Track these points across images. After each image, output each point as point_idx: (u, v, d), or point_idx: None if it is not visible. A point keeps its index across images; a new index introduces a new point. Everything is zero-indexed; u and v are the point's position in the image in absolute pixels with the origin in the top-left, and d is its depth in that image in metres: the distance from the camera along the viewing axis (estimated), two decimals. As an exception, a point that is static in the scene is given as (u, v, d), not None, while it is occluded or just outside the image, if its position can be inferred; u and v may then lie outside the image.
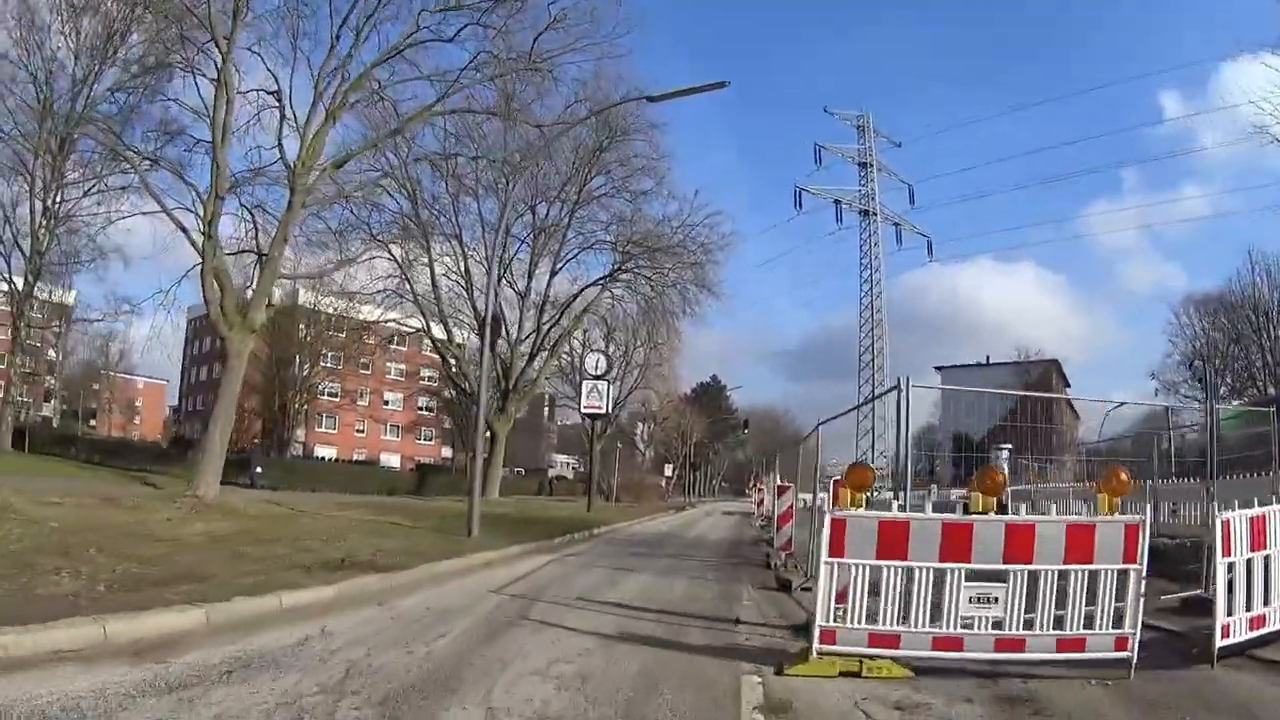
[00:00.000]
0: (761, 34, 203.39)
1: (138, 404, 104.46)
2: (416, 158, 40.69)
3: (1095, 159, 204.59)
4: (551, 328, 52.96)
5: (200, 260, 27.27)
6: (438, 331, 51.78)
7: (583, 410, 43.01)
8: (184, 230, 27.66)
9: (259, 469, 44.35)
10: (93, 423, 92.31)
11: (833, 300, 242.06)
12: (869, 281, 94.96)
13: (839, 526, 7.72)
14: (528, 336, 52.72)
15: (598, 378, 41.70)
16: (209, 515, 20.14)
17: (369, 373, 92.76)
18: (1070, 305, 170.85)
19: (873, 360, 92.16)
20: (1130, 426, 22.38)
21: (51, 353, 74.89)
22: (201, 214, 27.42)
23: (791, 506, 18.53)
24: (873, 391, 77.32)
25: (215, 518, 19.77)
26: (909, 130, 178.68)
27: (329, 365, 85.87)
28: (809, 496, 17.22)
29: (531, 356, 52.80)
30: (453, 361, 52.50)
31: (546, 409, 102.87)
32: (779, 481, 20.77)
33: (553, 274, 52.83)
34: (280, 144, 29.01)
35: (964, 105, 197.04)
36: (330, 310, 56.00)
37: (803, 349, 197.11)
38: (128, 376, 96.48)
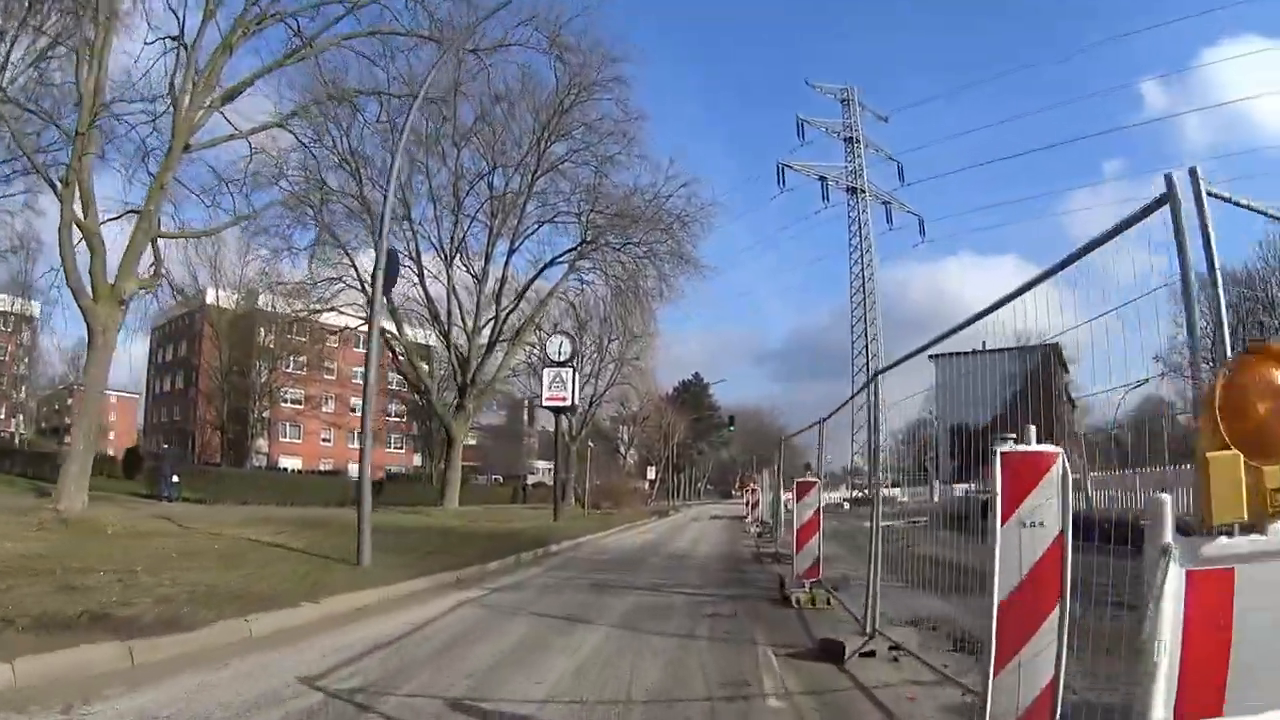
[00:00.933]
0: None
1: (113, 418, 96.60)
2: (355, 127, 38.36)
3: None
4: (510, 313, 47.27)
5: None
6: (388, 325, 45.00)
7: (545, 402, 37.45)
8: (51, 184, 25.06)
9: (175, 478, 38.10)
10: (68, 439, 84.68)
11: (818, 292, 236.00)
12: (859, 263, 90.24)
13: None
14: (486, 324, 46.93)
15: (561, 364, 36.41)
16: (52, 532, 17.10)
17: (333, 378, 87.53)
18: (1061, 296, 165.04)
19: (866, 346, 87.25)
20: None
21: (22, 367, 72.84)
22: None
23: (818, 514, 12.69)
24: (866, 376, 71.21)
25: (54, 534, 16.69)
26: (896, 105, 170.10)
27: (290, 370, 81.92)
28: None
29: (490, 347, 46.94)
30: (401, 353, 46.74)
31: (526, 414, 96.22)
32: (801, 477, 14.93)
33: (510, 252, 47.22)
34: (172, 85, 26.02)
35: (953, 85, 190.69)
36: (288, 310, 49.55)
37: (786, 349, 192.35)
38: (101, 391, 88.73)
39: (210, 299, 67.10)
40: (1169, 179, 4.35)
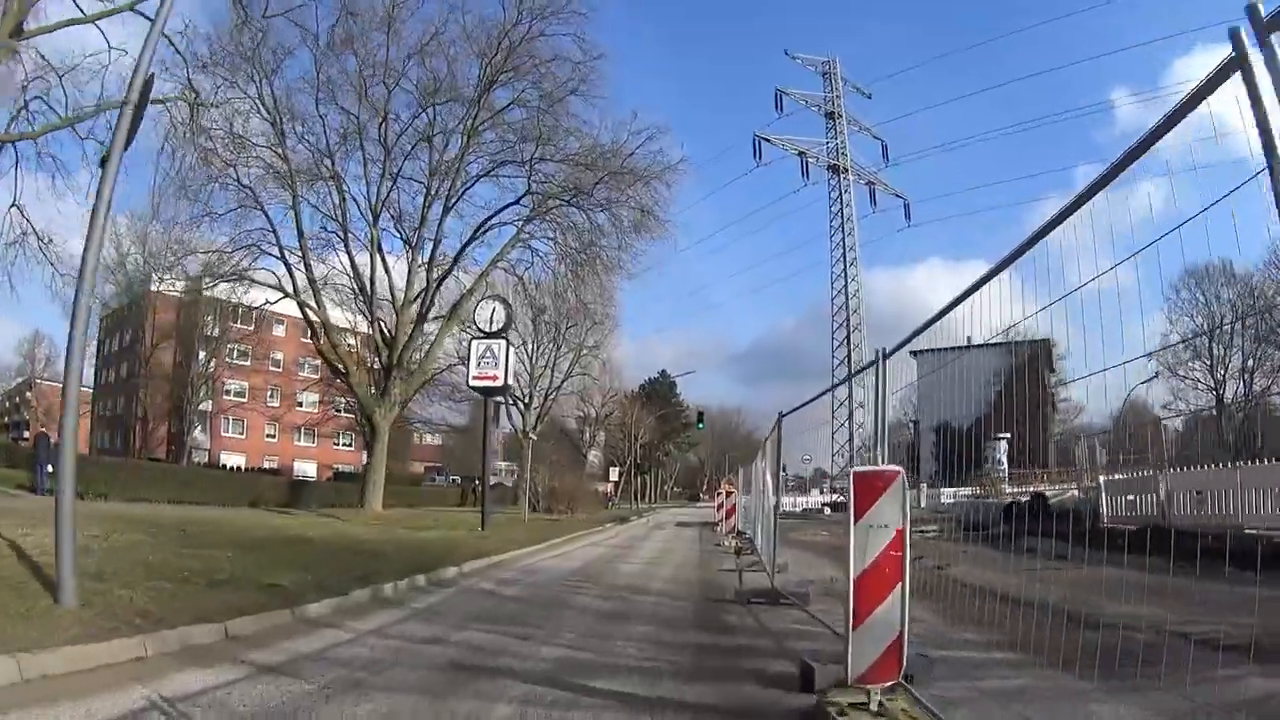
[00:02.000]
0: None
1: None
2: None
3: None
4: (443, 280, 40.29)
5: None
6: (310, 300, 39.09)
7: (471, 381, 30.77)
8: None
9: (50, 467, 31.63)
10: (27, 434, 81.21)
11: (791, 290, 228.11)
12: (840, 246, 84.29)
13: None
14: (418, 297, 39.96)
15: (492, 335, 30.06)
16: None
17: (279, 370, 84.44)
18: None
19: (848, 335, 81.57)
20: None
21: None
22: None
23: (901, 546, 6.72)
24: (849, 369, 65.48)
25: None
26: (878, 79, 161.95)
27: (233, 361, 79.00)
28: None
29: (419, 321, 40.00)
30: (320, 331, 39.55)
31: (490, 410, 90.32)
32: (874, 465, 8.01)
33: (445, 211, 40.08)
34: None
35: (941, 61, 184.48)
36: (195, 283, 46.53)
37: (755, 350, 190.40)
38: (56, 384, 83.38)
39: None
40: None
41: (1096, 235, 4.99)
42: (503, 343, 29.60)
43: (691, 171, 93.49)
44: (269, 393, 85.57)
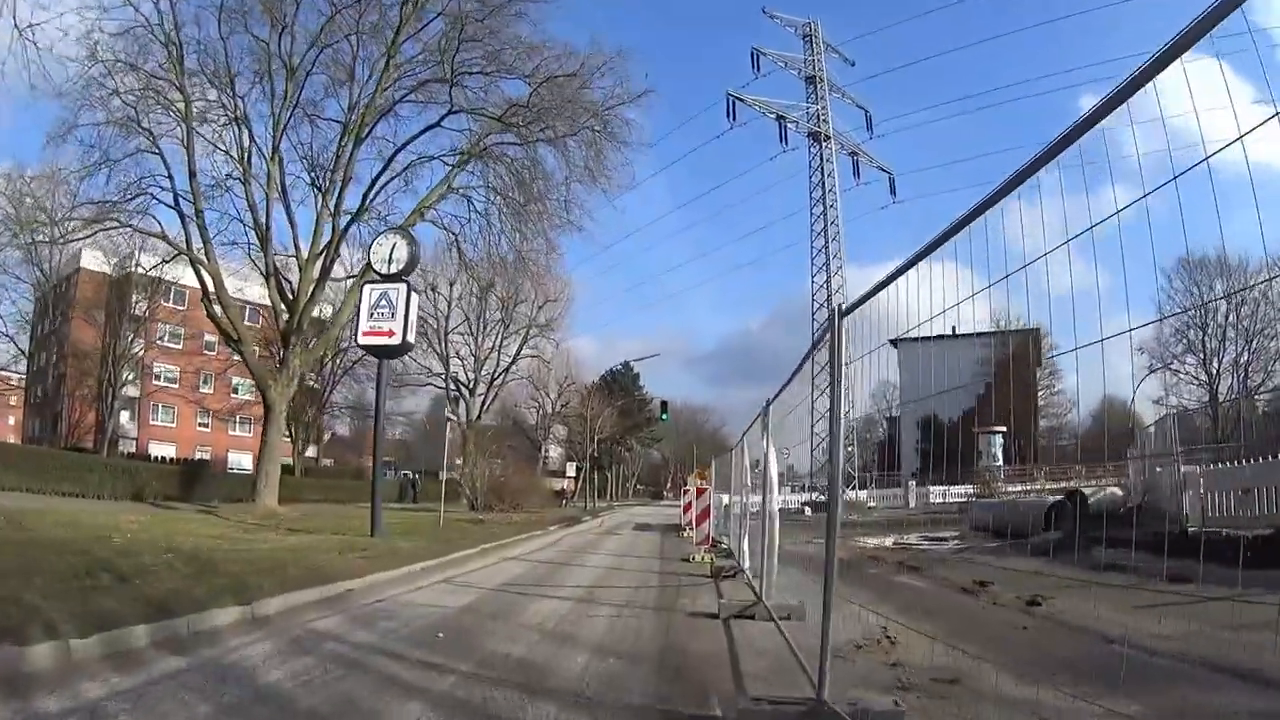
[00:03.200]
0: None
1: (12, 402, 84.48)
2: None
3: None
4: (350, 225, 33.56)
5: None
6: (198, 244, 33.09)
7: (361, 339, 23.65)
8: None
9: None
10: None
11: (765, 279, 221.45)
12: (821, 219, 77.89)
13: None
14: (324, 250, 33.36)
15: (390, 278, 23.07)
16: None
17: (213, 354, 76.71)
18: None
19: (832, 311, 73.20)
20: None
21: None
22: None
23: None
24: (834, 350, 59.51)
25: None
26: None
27: (165, 344, 76.07)
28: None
29: (323, 277, 33.52)
30: (212, 291, 33.00)
31: (450, 402, 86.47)
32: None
33: (357, 143, 33.12)
34: None
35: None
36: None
37: (722, 351, 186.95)
38: None
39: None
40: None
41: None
42: (402, 288, 22.59)
43: (657, 117, 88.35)
44: (201, 378, 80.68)
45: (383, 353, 23.52)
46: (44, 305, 69.15)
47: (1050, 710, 6.44)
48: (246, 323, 38.20)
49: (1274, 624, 8.20)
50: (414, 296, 23.13)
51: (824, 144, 77.81)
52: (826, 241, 76.37)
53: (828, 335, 7.07)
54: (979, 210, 4.94)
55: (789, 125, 78.07)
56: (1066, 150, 4.20)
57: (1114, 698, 6.59)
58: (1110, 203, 4.26)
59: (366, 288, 23.23)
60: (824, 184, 77.29)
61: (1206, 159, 3.73)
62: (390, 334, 22.36)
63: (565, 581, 15.97)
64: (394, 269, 22.86)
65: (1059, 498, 24.15)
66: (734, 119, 78.79)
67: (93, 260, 60.62)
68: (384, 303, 22.29)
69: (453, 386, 62.97)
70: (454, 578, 15.38)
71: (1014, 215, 4.82)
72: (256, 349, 36.84)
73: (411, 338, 23.30)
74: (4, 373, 76.77)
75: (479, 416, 61.09)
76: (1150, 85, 3.63)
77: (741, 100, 77.27)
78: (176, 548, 15.00)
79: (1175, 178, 3.83)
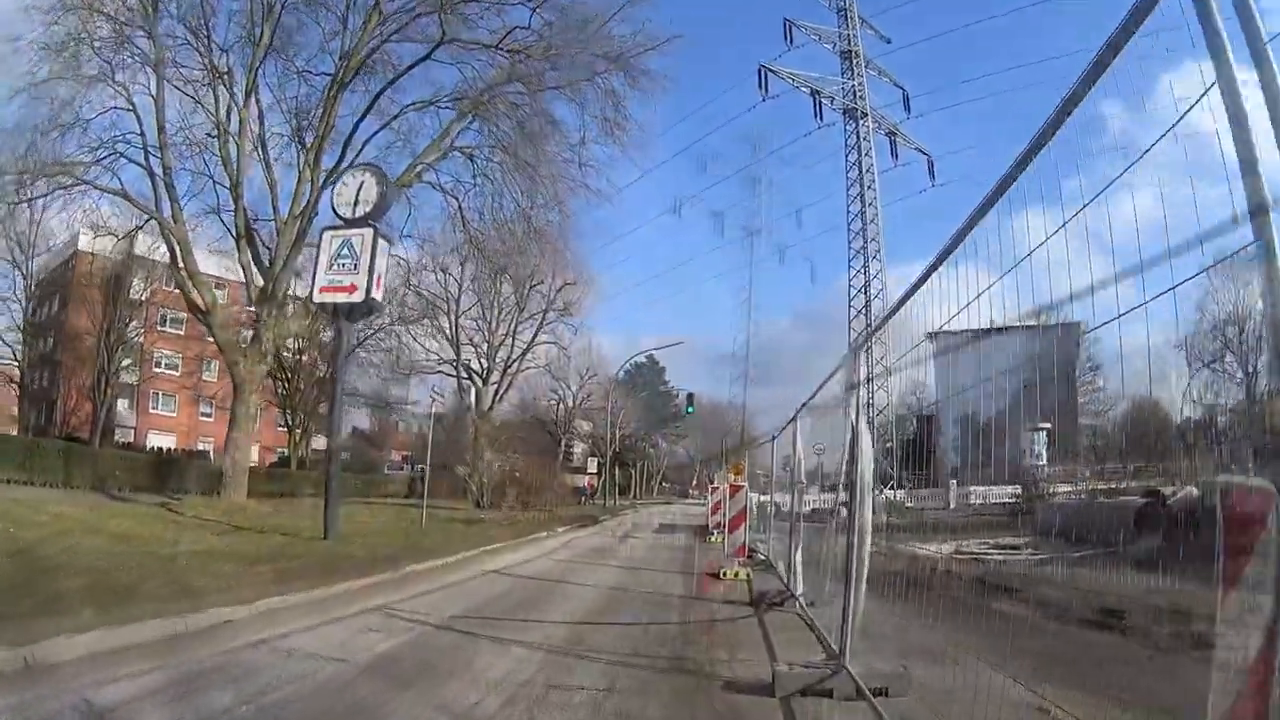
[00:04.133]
0: None
1: (13, 393, 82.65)
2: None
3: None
4: (329, 179, 28.88)
5: None
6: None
7: (317, 295, 19.21)
8: None
9: None
10: None
11: (798, 275, 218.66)
12: (859, 200, 73.61)
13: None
14: (304, 210, 29.71)
15: (352, 223, 18.86)
16: None
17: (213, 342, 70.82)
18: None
19: (867, 303, 70.76)
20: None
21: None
22: None
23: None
24: (868, 349, 56.03)
25: None
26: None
27: (167, 330, 73.00)
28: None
29: (301, 238, 29.64)
30: (178, 255, 30.00)
31: (474, 396, 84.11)
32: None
33: (341, 87, 29.62)
34: None
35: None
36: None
37: (751, 349, 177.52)
38: None
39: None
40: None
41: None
42: (368, 233, 18.25)
43: (683, 87, 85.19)
44: (203, 366, 75.97)
45: (344, 311, 19.19)
46: (40, 292, 67.27)
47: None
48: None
49: None
50: (382, 244, 18.84)
51: (860, 121, 73.90)
52: (864, 224, 72.29)
53: (838, 368, 8.17)
54: (990, 202, 5.29)
55: (824, 100, 74.27)
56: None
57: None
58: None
59: (326, 234, 18.92)
60: (860, 164, 73.33)
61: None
62: (351, 289, 18.09)
63: (547, 617, 11.54)
64: (361, 212, 18.68)
65: (1146, 499, 20.66)
66: (766, 92, 74.97)
67: (89, 243, 57.32)
68: (346, 252, 18.15)
69: (464, 374, 59.61)
70: (391, 604, 11.07)
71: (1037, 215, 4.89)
72: (229, 324, 34.11)
73: (378, 295, 18.98)
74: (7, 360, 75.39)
75: (491, 407, 58.10)
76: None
77: (774, 72, 73.51)
78: (69, 547, 13.04)
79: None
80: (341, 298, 18.24)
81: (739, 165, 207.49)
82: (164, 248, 33.56)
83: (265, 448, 78.42)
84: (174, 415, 78.59)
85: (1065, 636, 10.51)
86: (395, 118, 30.87)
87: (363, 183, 19.08)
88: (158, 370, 75.28)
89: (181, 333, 72.44)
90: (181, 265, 29.75)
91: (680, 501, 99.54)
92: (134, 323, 65.45)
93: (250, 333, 32.20)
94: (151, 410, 76.94)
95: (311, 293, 20.14)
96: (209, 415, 78.15)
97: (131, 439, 70.78)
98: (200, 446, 74.52)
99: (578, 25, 29.07)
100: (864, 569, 6.85)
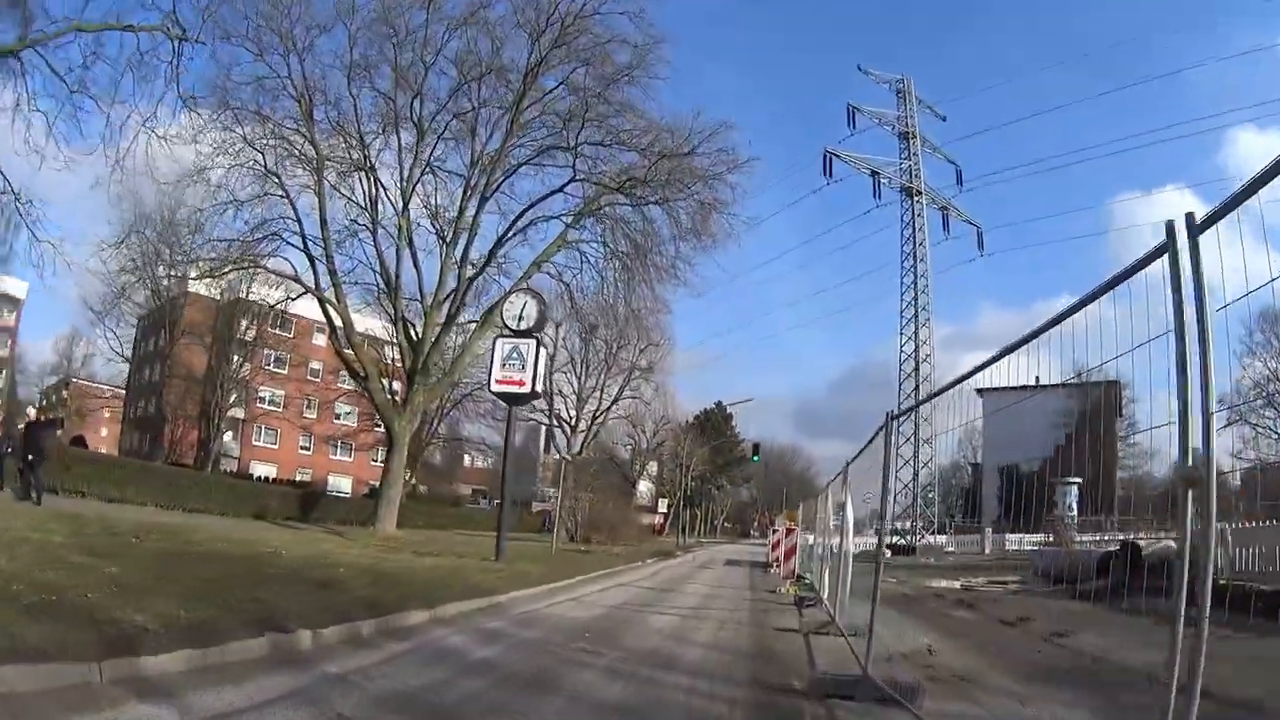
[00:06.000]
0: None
1: (105, 414, 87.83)
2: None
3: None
4: (476, 277, 36.20)
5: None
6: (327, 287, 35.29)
7: (493, 386, 26.37)
8: None
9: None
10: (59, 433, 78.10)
11: (860, 335, 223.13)
12: (911, 273, 78.34)
13: None
14: (448, 297, 35.91)
15: (520, 334, 25.83)
16: None
17: (317, 380, 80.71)
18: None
19: (916, 366, 75.90)
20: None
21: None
22: None
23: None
24: (915, 402, 61.13)
25: None
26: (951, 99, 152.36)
27: (270, 368, 77.33)
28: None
29: (448, 323, 36.08)
30: (341, 331, 35.73)
31: (543, 438, 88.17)
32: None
33: (483, 200, 35.81)
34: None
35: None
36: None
37: (810, 405, 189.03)
38: (91, 384, 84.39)
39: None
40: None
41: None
42: (532, 343, 25.41)
43: (759, 173, 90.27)
44: (305, 403, 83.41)
45: (512, 400, 26.35)
46: (149, 324, 71.98)
47: (1031, 701, 9.06)
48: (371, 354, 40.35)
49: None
50: (542, 351, 26.06)
51: (915, 199, 78.34)
52: (916, 294, 76.62)
53: (876, 434, 9.04)
54: (1052, 322, 5.95)
55: (882, 180, 78.86)
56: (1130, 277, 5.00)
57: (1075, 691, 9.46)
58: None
59: (499, 341, 26.04)
60: (914, 238, 77.73)
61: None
62: (521, 383, 25.17)
63: (673, 604, 18.81)
64: (524, 325, 25.72)
65: (1114, 548, 25.69)
66: (830, 175, 79.57)
67: (201, 285, 61.71)
68: (515, 355, 25.07)
69: (555, 422, 65.04)
70: (581, 597, 18.20)
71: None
72: (384, 383, 38.85)
73: (539, 388, 26.31)
74: (99, 386, 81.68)
75: (580, 452, 62.88)
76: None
77: (838, 156, 78.19)
78: (335, 563, 17.52)
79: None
80: (511, 389, 25.35)
81: (806, 236, 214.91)
82: (271, 293, 38.29)
83: (360, 480, 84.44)
84: (276, 447, 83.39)
85: (976, 625, 16.97)
86: (526, 227, 36.37)
87: (525, 304, 26.26)
88: (261, 405, 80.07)
89: (285, 373, 79.34)
90: (345, 338, 35.61)
91: (742, 541, 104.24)
92: (243, 361, 69.77)
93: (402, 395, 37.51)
94: (255, 442, 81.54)
95: (489, 384, 26.96)
96: (308, 449, 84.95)
97: (235, 468, 74.27)
98: (299, 476, 77.82)
99: (674, 156, 34.23)
100: (848, 578, 13.49)
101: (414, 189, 35.70)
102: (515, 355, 25.07)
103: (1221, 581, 18.95)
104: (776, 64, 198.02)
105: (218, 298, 61.50)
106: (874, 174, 78.98)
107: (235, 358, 68.01)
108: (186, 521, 25.37)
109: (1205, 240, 4.22)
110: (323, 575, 14.70)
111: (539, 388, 26.19)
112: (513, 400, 26.45)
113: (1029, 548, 48.00)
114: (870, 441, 12.40)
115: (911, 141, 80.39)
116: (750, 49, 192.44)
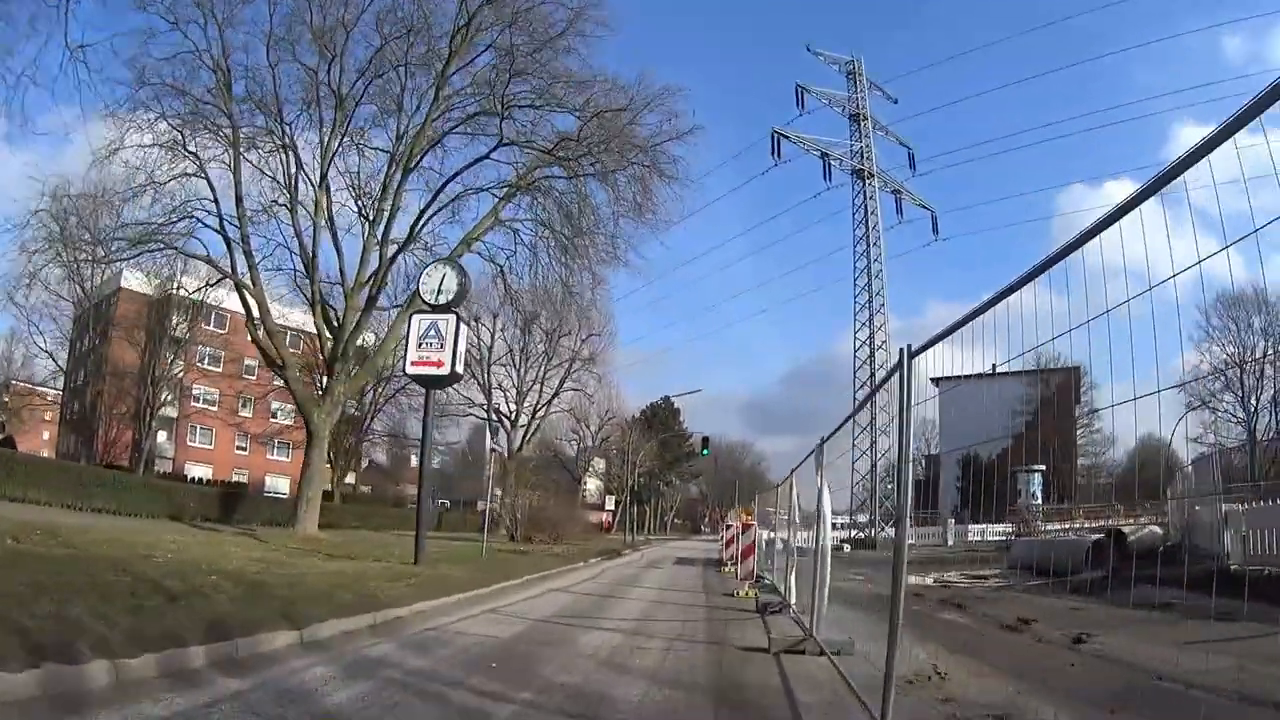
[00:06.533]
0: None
1: (46, 417, 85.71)
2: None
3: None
4: (397, 255, 33.76)
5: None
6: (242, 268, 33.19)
7: (409, 368, 23.75)
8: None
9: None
10: None
11: (808, 326, 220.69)
12: (865, 256, 77.25)
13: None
14: (370, 279, 33.49)
15: (439, 309, 23.34)
16: None
17: (253, 378, 77.73)
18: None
19: (871, 353, 74.91)
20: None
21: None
22: None
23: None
24: (872, 388, 59.62)
25: None
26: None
27: (205, 367, 76.84)
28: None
29: (368, 305, 33.70)
30: (257, 315, 33.41)
31: (488, 432, 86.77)
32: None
33: (405, 173, 33.30)
34: None
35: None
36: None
37: (760, 401, 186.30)
38: (33, 385, 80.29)
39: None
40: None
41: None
42: (451, 319, 22.85)
43: (703, 156, 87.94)
44: (240, 401, 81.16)
45: (430, 382, 23.64)
46: (83, 323, 70.19)
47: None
48: (289, 348, 37.59)
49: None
50: (463, 328, 23.48)
51: (867, 181, 77.11)
52: (870, 279, 75.66)
53: (892, 373, 7.35)
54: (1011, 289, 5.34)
55: (833, 162, 77.79)
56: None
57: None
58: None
59: (415, 318, 23.50)
60: (867, 222, 76.64)
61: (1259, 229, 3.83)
62: (439, 364, 22.58)
63: (613, 615, 15.97)
64: (443, 300, 23.20)
65: (1099, 536, 24.00)
66: (778, 156, 78.18)
67: (134, 280, 60.23)
68: (433, 333, 22.52)
69: (495, 418, 63.03)
70: (501, 608, 15.31)
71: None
72: (299, 374, 36.63)
73: (460, 368, 23.57)
74: (41, 389, 78.26)
75: (520, 448, 61.28)
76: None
77: (786, 137, 76.88)
78: (225, 569, 15.07)
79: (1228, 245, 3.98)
80: (430, 371, 22.68)
81: (753, 223, 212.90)
82: (207, 292, 37.08)
83: (296, 480, 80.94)
84: (211, 448, 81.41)
85: (976, 632, 14.43)
86: (454, 200, 34.00)
87: (445, 275, 23.58)
88: (196, 404, 78.11)
89: (220, 370, 77.44)
90: (259, 324, 33.14)
91: (693, 537, 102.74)
92: (174, 359, 68.03)
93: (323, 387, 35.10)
94: (190, 443, 79.57)
95: (404, 366, 24.32)
96: (244, 449, 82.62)
97: (170, 469, 72.47)
98: (235, 478, 76.10)
99: (611, 117, 32.15)
100: (826, 580, 10.89)
101: (331, 161, 33.31)
102: (433, 333, 22.46)
103: (1234, 567, 16.95)
104: (721, 43, 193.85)
105: (149, 293, 59.88)
106: (824, 155, 78.01)
107: (168, 355, 66.38)
108: (86, 523, 23.40)
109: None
110: (186, 585, 12.06)
111: (459, 369, 23.38)
112: (430, 383, 23.71)
113: (993, 538, 46.81)
114: (859, 408, 10.40)
115: (862, 123, 79.35)
116: (694, 29, 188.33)
